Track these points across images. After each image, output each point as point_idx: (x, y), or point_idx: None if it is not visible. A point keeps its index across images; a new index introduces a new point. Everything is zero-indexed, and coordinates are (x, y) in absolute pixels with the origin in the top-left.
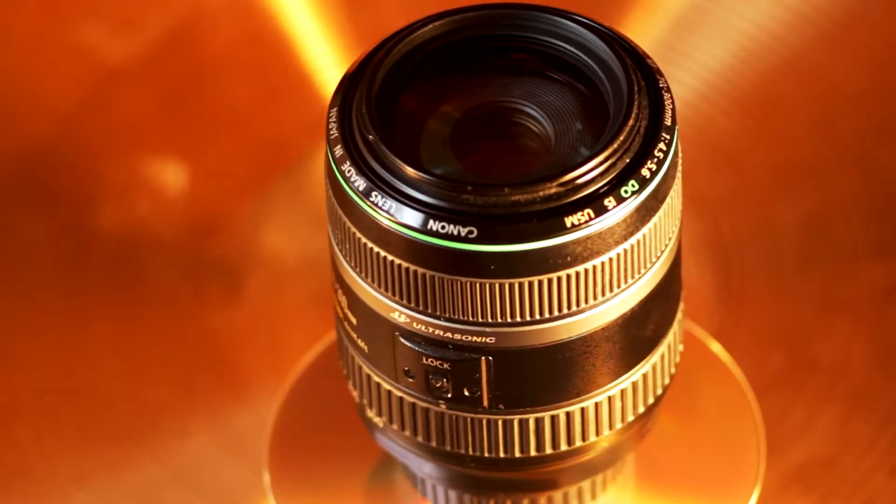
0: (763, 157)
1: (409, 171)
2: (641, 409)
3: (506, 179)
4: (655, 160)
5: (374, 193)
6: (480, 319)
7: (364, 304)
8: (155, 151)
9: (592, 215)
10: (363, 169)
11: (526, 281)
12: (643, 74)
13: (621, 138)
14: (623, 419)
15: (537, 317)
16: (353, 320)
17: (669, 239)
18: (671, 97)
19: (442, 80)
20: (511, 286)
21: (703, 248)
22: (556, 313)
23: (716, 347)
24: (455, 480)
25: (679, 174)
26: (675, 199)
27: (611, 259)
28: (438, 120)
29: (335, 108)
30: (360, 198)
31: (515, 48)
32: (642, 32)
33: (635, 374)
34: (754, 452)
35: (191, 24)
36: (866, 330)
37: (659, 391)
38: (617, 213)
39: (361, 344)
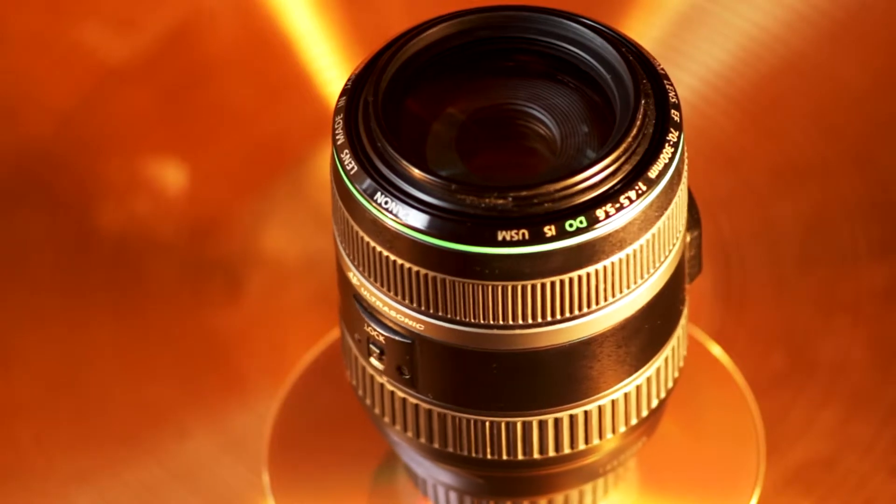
0: (763, 157)
1: (380, 144)
2: (598, 439)
3: (463, 178)
4: (617, 205)
5: (345, 152)
6: (408, 303)
7: (336, 259)
8: (155, 151)
9: (527, 237)
10: (349, 129)
11: (448, 279)
12: (655, 103)
13: (588, 173)
14: (558, 448)
15: (460, 318)
16: (336, 274)
17: (636, 282)
18: (674, 151)
19: (447, 83)
20: (434, 279)
21: (704, 249)
22: (480, 321)
23: (715, 349)
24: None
25: (662, 228)
26: (647, 249)
27: (543, 285)
28: (444, 122)
29: (341, 110)
30: (337, 156)
31: (520, 50)
32: (642, 32)
33: (588, 405)
34: (754, 453)
35: (191, 24)
36: (866, 330)
37: (620, 428)
38: (555, 244)
39: (339, 296)
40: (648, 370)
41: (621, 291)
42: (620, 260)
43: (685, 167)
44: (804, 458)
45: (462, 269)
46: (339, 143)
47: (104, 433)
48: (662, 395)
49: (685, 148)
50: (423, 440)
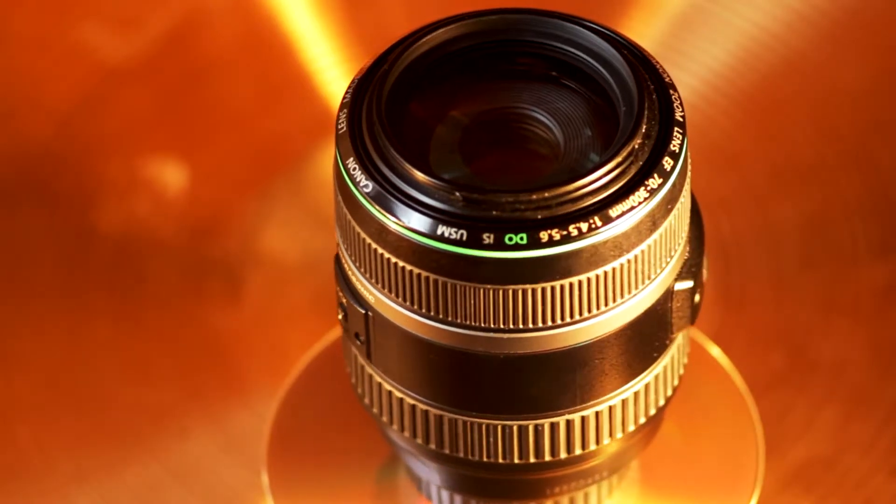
0: (763, 157)
1: (372, 117)
2: (577, 451)
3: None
4: (564, 233)
5: (341, 115)
6: (363, 272)
7: None
8: (155, 151)
9: (464, 238)
10: (354, 96)
11: (393, 259)
12: (653, 146)
13: (541, 194)
14: (501, 456)
15: (401, 300)
16: None
17: (580, 314)
18: (648, 196)
19: (450, 86)
20: (382, 256)
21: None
22: (416, 307)
23: (714, 350)
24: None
25: (618, 269)
26: (594, 285)
27: (476, 289)
28: (447, 125)
29: (345, 111)
30: (337, 115)
31: (523, 53)
32: (642, 32)
33: (524, 421)
34: (754, 453)
35: (191, 24)
36: (866, 330)
37: (575, 450)
38: (490, 253)
39: None
40: (601, 405)
41: (563, 319)
42: (562, 286)
43: (671, 218)
44: (804, 458)
45: (404, 254)
46: (343, 101)
47: (104, 433)
48: (621, 433)
49: (678, 201)
50: (375, 410)
